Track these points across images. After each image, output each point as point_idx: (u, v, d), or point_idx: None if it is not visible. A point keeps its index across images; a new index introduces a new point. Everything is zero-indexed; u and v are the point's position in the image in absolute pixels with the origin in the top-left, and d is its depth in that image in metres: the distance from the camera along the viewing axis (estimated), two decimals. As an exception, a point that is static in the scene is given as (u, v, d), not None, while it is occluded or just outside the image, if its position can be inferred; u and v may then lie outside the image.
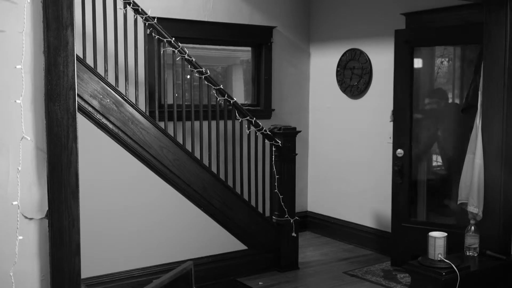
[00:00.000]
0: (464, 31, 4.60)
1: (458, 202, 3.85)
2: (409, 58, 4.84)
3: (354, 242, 5.78)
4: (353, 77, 5.73)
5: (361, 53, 5.63)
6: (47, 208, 2.00)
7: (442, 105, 5.22)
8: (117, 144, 4.18)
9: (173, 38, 4.51)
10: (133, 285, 4.24)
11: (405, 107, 4.86)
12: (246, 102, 6.02)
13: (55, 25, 1.96)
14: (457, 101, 5.12)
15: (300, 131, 5.13)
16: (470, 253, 3.57)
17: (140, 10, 4.32)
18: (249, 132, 4.92)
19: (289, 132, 4.98)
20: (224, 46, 5.97)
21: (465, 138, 4.32)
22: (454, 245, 3.62)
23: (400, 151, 4.82)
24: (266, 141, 4.97)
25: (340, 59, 5.88)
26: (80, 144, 2.07)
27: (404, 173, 4.86)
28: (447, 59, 5.23)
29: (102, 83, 4.08)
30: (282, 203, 4.95)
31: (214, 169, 4.75)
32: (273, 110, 6.05)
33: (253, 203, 4.98)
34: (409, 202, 4.95)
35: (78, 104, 2.27)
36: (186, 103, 4.80)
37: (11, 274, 1.96)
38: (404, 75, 4.85)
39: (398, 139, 4.89)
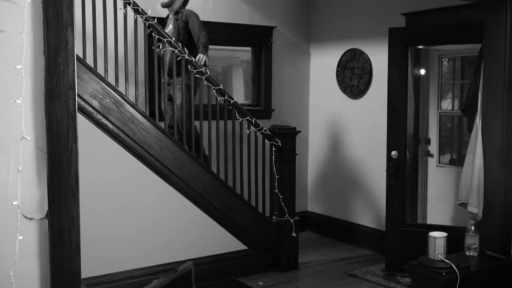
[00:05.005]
0: (461, 31, 4.56)
1: (458, 202, 3.85)
2: (404, 57, 4.72)
3: (354, 242, 5.78)
4: (353, 77, 5.73)
5: (361, 53, 5.63)
6: (47, 208, 2.00)
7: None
8: (117, 144, 4.18)
9: (173, 38, 4.51)
10: (133, 285, 4.24)
11: (400, 107, 4.74)
12: (246, 102, 6.02)
13: (55, 25, 1.96)
14: (457, 101, 5.12)
15: (300, 131, 5.13)
16: (470, 253, 3.57)
17: (140, 10, 4.32)
18: (249, 132, 4.92)
19: (289, 132, 4.98)
20: (224, 46, 5.97)
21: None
22: (454, 245, 3.62)
23: (394, 153, 4.72)
24: (266, 141, 4.97)
25: (340, 59, 5.88)
26: (80, 144, 2.07)
27: (399, 176, 4.75)
28: (447, 59, 5.23)
29: (102, 83, 4.08)
30: (282, 203, 4.95)
31: (214, 169, 4.75)
32: (273, 110, 6.05)
33: (253, 203, 4.98)
34: (404, 205, 4.82)
35: (78, 104, 2.27)
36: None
37: (11, 274, 1.96)
38: (398, 75, 4.73)
39: (393, 141, 4.76)
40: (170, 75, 4.68)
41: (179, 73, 4.65)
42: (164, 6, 4.99)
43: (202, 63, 4.67)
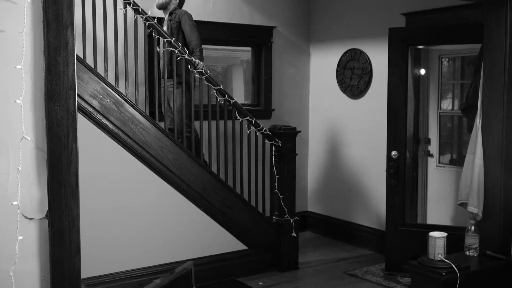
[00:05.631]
0: (461, 31, 4.56)
1: (458, 202, 3.85)
2: (404, 57, 4.71)
3: (354, 242, 5.78)
4: (353, 77, 5.73)
5: (361, 53, 5.63)
6: (47, 208, 2.00)
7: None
8: (117, 144, 4.18)
9: (173, 38, 4.51)
10: (133, 285, 4.24)
11: (400, 107, 4.74)
12: (246, 102, 6.02)
13: (55, 25, 1.96)
14: (457, 101, 5.12)
15: (300, 131, 5.13)
16: (470, 253, 3.57)
17: (140, 10, 4.32)
18: (249, 132, 4.92)
19: (289, 132, 4.98)
20: (224, 46, 5.97)
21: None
22: (454, 245, 3.63)
23: (394, 153, 4.72)
24: (266, 141, 4.97)
25: (340, 59, 5.88)
26: (80, 144, 2.07)
27: (399, 176, 4.75)
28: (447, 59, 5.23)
29: (102, 83, 4.08)
30: (282, 203, 4.95)
31: (214, 169, 4.75)
32: (273, 110, 6.05)
33: (253, 203, 4.98)
34: (404, 205, 4.83)
35: (78, 104, 2.27)
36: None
37: (11, 274, 1.96)
38: (398, 75, 4.73)
39: (393, 140, 4.75)
40: (169, 76, 4.67)
41: (176, 74, 4.63)
42: (160, 7, 4.98)
43: (200, 69, 4.61)
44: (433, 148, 5.25)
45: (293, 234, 4.98)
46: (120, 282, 4.23)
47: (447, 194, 5.10)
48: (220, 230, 4.70)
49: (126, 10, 4.29)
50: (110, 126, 4.12)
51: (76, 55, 2.10)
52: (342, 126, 5.92)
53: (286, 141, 4.95)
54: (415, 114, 5.18)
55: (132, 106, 4.23)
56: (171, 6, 4.94)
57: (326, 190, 6.19)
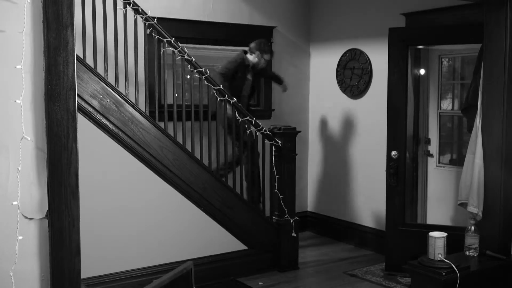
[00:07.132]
0: (461, 31, 4.56)
1: (458, 202, 3.85)
2: (404, 57, 4.71)
3: (354, 242, 5.78)
4: (353, 77, 5.73)
5: (361, 53, 5.63)
6: (47, 208, 2.00)
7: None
8: (117, 144, 4.18)
9: (173, 38, 4.51)
10: (133, 285, 4.24)
11: (400, 107, 4.74)
12: (246, 102, 6.02)
13: (55, 25, 1.96)
14: (457, 101, 5.12)
15: (300, 131, 5.13)
16: (470, 253, 3.57)
17: (140, 10, 4.32)
18: (249, 132, 4.92)
19: (289, 132, 4.98)
20: (224, 46, 5.96)
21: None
22: (454, 245, 3.62)
23: (394, 153, 4.73)
24: (266, 141, 4.97)
25: (340, 59, 5.88)
26: (80, 144, 2.07)
27: (399, 176, 4.74)
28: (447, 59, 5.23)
29: (102, 83, 4.08)
30: (282, 203, 4.95)
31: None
32: (273, 110, 6.05)
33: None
34: (404, 205, 4.82)
35: (78, 104, 2.27)
36: (186, 103, 4.80)
37: (11, 274, 1.96)
38: (398, 75, 4.72)
39: (393, 140, 4.76)
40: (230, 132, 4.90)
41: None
42: (256, 67, 5.37)
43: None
44: (433, 148, 5.25)
45: (293, 234, 4.98)
46: (120, 282, 4.23)
47: (447, 194, 5.10)
48: (220, 230, 4.71)
49: (126, 10, 4.29)
50: (110, 126, 4.12)
51: (76, 55, 2.10)
52: (342, 126, 5.92)
53: (286, 141, 4.95)
54: (415, 114, 5.18)
55: (132, 106, 4.23)
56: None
57: (326, 190, 6.19)
